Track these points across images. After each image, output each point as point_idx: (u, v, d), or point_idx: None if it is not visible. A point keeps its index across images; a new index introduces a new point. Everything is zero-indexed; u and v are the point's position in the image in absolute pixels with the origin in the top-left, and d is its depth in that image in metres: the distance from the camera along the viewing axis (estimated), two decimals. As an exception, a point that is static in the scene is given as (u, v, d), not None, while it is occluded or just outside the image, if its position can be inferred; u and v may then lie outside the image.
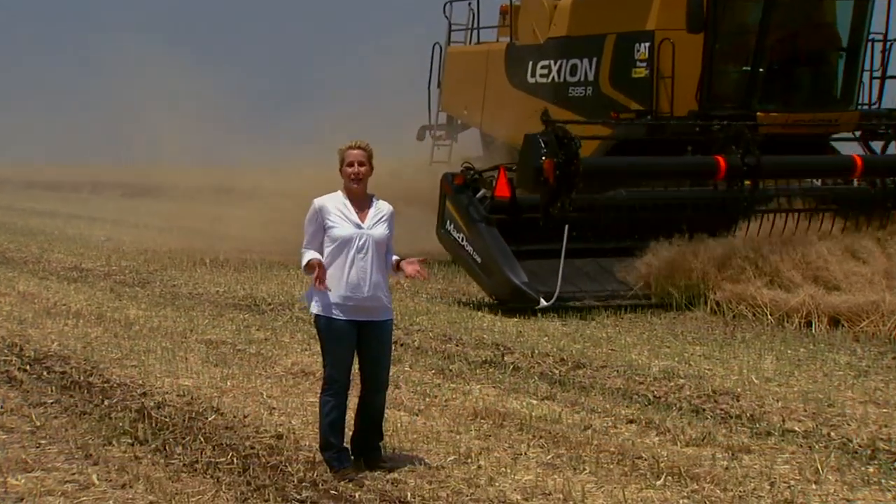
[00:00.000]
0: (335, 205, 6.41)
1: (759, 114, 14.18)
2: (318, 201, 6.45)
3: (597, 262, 13.28)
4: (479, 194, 13.31)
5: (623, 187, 13.54)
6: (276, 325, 11.67)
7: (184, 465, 6.72)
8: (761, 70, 14.42)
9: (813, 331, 11.28)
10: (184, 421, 7.65)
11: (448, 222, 13.48)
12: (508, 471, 6.57)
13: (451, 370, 9.43)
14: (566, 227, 12.53)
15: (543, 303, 12.33)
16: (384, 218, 6.46)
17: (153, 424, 7.55)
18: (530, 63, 16.82)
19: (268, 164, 27.38)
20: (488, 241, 12.94)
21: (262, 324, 11.77)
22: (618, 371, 9.39)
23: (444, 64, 19.35)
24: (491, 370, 9.46)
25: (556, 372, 9.41)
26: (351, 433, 6.61)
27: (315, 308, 6.43)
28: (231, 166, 35.07)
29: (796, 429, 7.55)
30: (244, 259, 17.92)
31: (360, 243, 6.36)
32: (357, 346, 6.42)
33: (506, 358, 9.95)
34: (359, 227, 6.38)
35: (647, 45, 14.60)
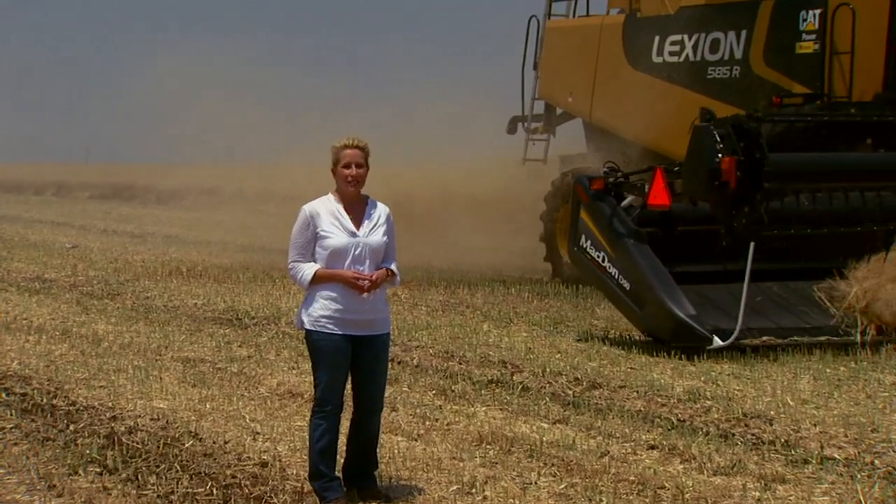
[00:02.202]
0: (328, 210, 6.40)
1: None
2: (308, 208, 6.43)
3: (786, 286, 11.69)
4: (626, 202, 11.84)
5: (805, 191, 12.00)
6: (261, 342, 11.67)
7: (158, 496, 6.70)
8: None
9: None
10: (158, 447, 7.64)
11: (583, 238, 12.00)
12: (517, 502, 6.56)
13: (453, 391, 9.43)
14: (751, 244, 11.01)
15: (718, 342, 10.84)
16: (381, 223, 6.45)
17: (124, 451, 7.54)
18: (657, 38, 15.56)
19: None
20: (640, 262, 11.43)
21: (244, 340, 11.77)
22: (638, 392, 9.38)
23: (543, 41, 17.99)
24: (497, 391, 9.45)
25: (570, 393, 9.40)
26: (343, 460, 6.60)
27: (306, 322, 6.41)
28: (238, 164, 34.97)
29: (836, 456, 7.54)
30: (225, 268, 17.94)
31: (357, 253, 6.35)
32: (351, 364, 6.41)
33: (514, 377, 9.94)
34: (354, 235, 6.37)
35: (818, 12, 13.31)
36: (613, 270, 11.64)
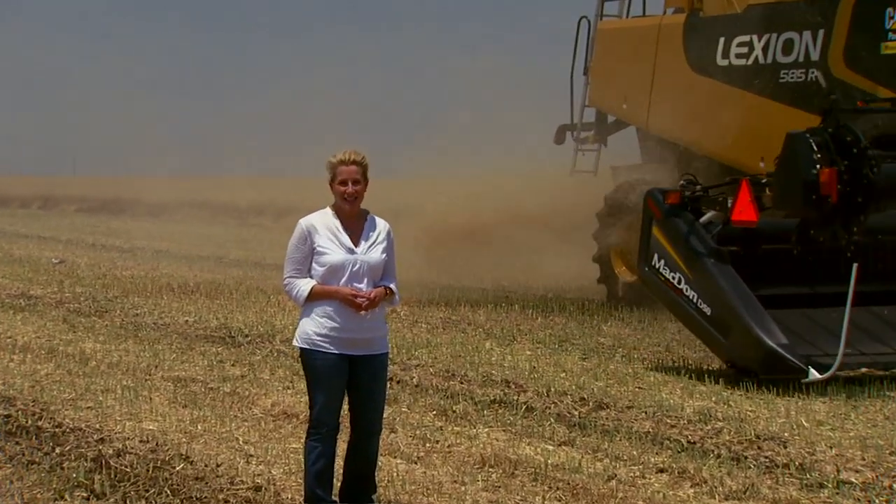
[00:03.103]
0: (325, 224, 6.40)
1: None
2: (304, 222, 6.43)
3: (870, 312, 10.98)
4: (705, 218, 11.22)
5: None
6: (254, 360, 11.66)
7: (147, 521, 6.70)
8: None
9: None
10: (147, 471, 7.62)
11: (656, 258, 11.35)
12: (521, 528, 6.55)
13: (454, 411, 9.42)
14: (854, 265, 10.34)
15: (815, 375, 10.16)
16: (381, 240, 6.44)
17: (112, 475, 7.53)
18: (722, 40, 14.85)
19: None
20: (723, 285, 10.75)
21: (237, 358, 11.76)
22: (646, 412, 9.37)
23: (595, 44, 17.33)
24: (500, 411, 9.44)
25: (576, 413, 9.39)
26: (339, 484, 6.59)
27: (300, 341, 6.40)
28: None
29: (853, 480, 7.52)
30: (217, 284, 17.94)
31: (354, 270, 6.35)
32: (348, 384, 6.41)
33: (518, 397, 9.93)
34: (352, 251, 6.37)
35: None
36: (691, 293, 10.96)
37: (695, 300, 10.93)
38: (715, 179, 12.45)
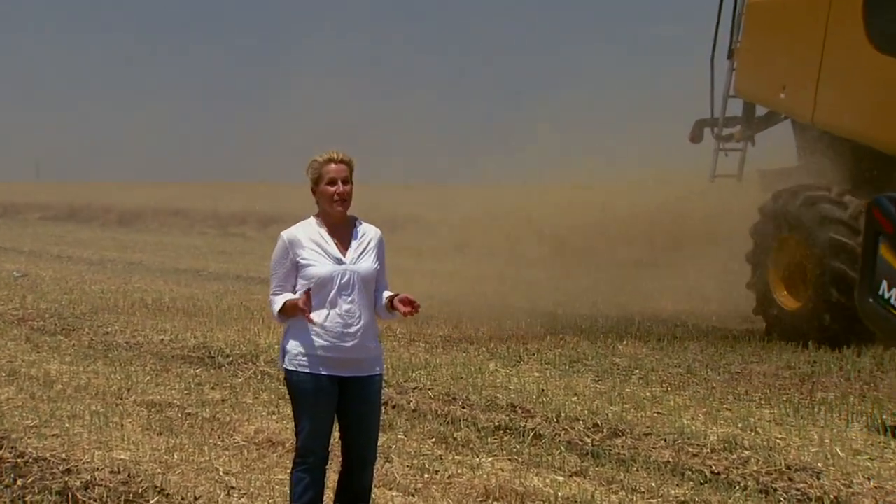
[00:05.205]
0: (309, 236, 6.38)
1: None
2: (286, 234, 6.42)
3: None
4: None
5: None
6: (236, 383, 11.66)
7: (118, 560, 6.69)
8: None
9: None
10: (118, 504, 7.63)
11: (885, 286, 10.02)
12: (529, 567, 6.54)
13: (455, 438, 9.42)
14: None
15: None
16: (371, 247, 6.43)
17: (80, 509, 7.53)
18: None
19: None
20: None
21: (217, 381, 11.76)
22: (666, 440, 9.37)
23: (743, 21, 16.20)
24: (506, 438, 9.44)
25: (588, 441, 9.39)
26: (329, 519, 6.59)
27: (286, 362, 6.39)
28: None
29: (893, 513, 7.53)
30: (196, 299, 17.95)
31: (343, 281, 6.33)
32: (338, 409, 6.40)
33: (525, 423, 9.93)
34: (340, 261, 6.35)
35: None
36: None
37: None
38: None
